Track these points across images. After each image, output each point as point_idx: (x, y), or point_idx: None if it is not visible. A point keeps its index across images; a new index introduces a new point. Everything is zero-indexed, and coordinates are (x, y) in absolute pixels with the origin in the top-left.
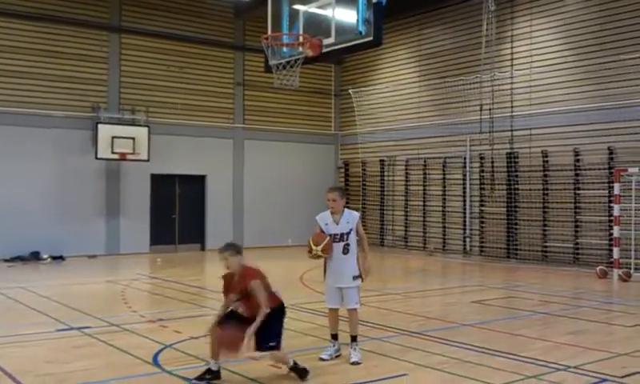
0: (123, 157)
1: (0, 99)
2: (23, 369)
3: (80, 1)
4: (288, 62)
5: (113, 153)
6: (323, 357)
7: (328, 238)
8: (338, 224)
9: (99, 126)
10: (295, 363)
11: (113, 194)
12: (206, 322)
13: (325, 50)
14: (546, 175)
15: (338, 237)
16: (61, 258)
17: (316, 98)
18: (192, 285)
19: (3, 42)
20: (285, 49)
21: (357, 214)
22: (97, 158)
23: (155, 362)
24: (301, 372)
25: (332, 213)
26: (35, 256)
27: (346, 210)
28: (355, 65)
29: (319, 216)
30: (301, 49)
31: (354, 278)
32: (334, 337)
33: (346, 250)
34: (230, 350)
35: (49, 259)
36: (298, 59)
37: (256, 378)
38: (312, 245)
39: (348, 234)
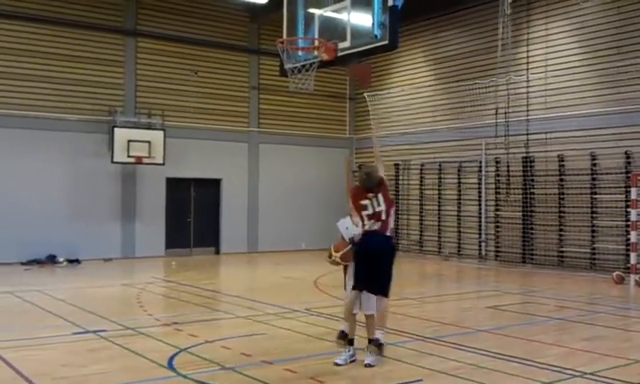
0: (139, 160)
1: (17, 103)
2: (39, 372)
3: (96, 5)
4: (303, 66)
5: (129, 156)
6: (338, 361)
7: (349, 246)
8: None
9: (115, 129)
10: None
11: (128, 198)
12: (220, 326)
13: (340, 54)
14: (562, 179)
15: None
16: (77, 261)
17: (331, 102)
18: (207, 288)
19: (20, 45)
20: (300, 53)
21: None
22: (113, 162)
23: (170, 365)
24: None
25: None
26: (51, 259)
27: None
28: (371, 68)
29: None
30: (316, 53)
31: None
32: (350, 342)
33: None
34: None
35: (65, 262)
36: (314, 63)
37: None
38: (332, 251)
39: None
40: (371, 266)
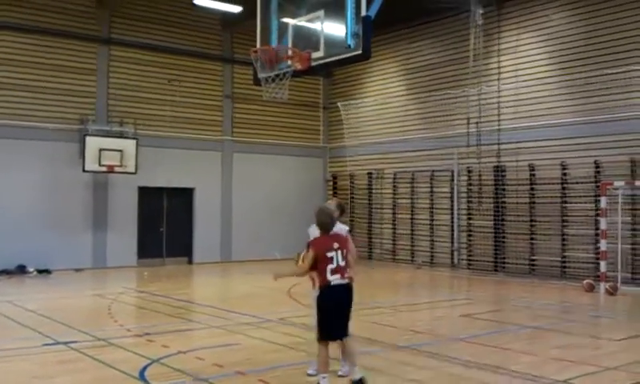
0: (111, 169)
1: None
2: None
3: (69, 13)
4: (277, 75)
5: (100, 165)
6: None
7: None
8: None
9: (87, 138)
10: None
11: (100, 207)
12: (193, 337)
13: (314, 64)
14: (532, 188)
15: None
16: (47, 271)
17: (305, 111)
18: (179, 298)
19: None
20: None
21: (346, 228)
22: (84, 171)
23: (142, 377)
24: None
25: None
26: (21, 269)
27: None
28: (344, 78)
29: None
30: (290, 62)
31: None
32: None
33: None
34: None
35: (35, 272)
36: (287, 72)
37: None
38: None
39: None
40: (344, 314)
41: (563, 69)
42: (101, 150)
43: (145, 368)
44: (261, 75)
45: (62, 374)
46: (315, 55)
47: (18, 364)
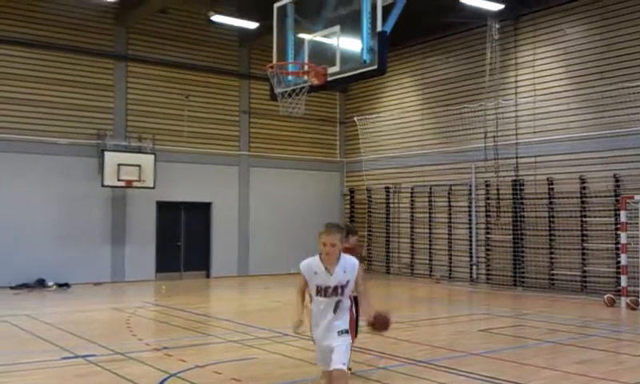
0: (129, 184)
1: (7, 127)
2: None
3: (87, 29)
4: (293, 90)
5: (119, 180)
6: None
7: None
8: (332, 275)
9: (105, 153)
10: None
11: (119, 222)
12: (211, 351)
13: (330, 79)
14: (551, 203)
15: (331, 290)
16: (66, 285)
17: (321, 126)
18: (197, 312)
19: (11, 69)
20: (290, 77)
21: (357, 262)
22: (103, 186)
23: None
24: None
25: (323, 260)
26: (41, 283)
27: (343, 255)
28: (360, 93)
29: (305, 264)
30: (306, 77)
31: (340, 332)
32: None
33: (337, 308)
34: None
35: (54, 286)
36: (304, 87)
37: None
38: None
39: (344, 286)
40: None
41: (581, 82)
42: (119, 165)
43: (162, 382)
44: (277, 90)
45: None
46: (331, 70)
47: (36, 377)
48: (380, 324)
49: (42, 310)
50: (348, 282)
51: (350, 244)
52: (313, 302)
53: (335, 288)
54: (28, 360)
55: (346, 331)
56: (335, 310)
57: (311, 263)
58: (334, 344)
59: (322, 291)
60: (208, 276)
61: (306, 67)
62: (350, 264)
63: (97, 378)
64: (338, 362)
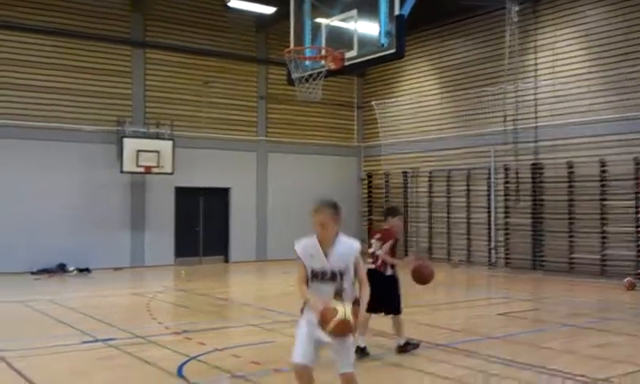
0: (148, 170)
1: (27, 114)
2: (49, 380)
3: (104, 16)
4: (311, 75)
5: (138, 166)
6: None
7: (344, 313)
8: (328, 258)
9: (124, 139)
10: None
11: (138, 207)
12: (230, 334)
13: (347, 63)
14: (571, 186)
15: (328, 275)
16: (87, 270)
17: (339, 111)
18: (216, 297)
19: (29, 57)
20: (307, 62)
21: (356, 246)
22: (122, 172)
23: (180, 374)
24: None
25: (320, 241)
26: (61, 268)
27: (340, 237)
28: (378, 77)
29: (301, 245)
30: (323, 62)
31: None
32: None
33: (338, 296)
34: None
35: (75, 271)
36: (321, 72)
37: None
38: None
39: (342, 271)
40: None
41: (601, 64)
42: (138, 151)
43: (183, 365)
44: (295, 75)
45: (100, 371)
46: (349, 55)
47: (57, 361)
48: (421, 275)
49: (63, 295)
50: (347, 267)
51: (388, 225)
52: (310, 288)
53: (333, 274)
54: (50, 344)
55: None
56: (336, 298)
57: (307, 244)
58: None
59: (318, 276)
60: (227, 261)
61: (323, 52)
62: (346, 247)
63: (118, 361)
64: (348, 364)
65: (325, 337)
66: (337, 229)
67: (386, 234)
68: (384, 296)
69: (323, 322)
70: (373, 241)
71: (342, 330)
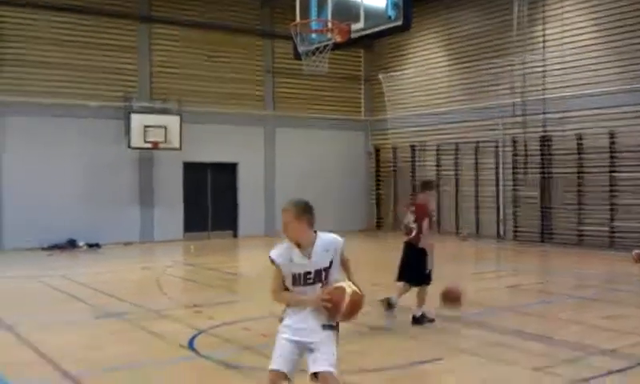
0: (156, 146)
1: (34, 90)
2: (63, 354)
3: None
4: (317, 48)
5: (146, 142)
6: None
7: (350, 293)
8: (310, 258)
9: (132, 115)
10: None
11: (146, 183)
12: (240, 308)
13: (354, 36)
14: (580, 158)
15: (312, 277)
16: (97, 245)
17: (346, 84)
18: (225, 271)
19: (35, 33)
20: (313, 35)
21: (340, 239)
22: (130, 147)
23: (191, 346)
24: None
25: (297, 244)
26: (72, 244)
27: (320, 234)
28: (384, 50)
29: (277, 251)
30: (329, 35)
31: (325, 326)
32: None
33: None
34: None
35: (85, 247)
36: (327, 45)
37: None
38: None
39: (327, 269)
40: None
41: (610, 35)
42: (145, 126)
43: (193, 338)
44: (301, 49)
45: (113, 345)
46: (355, 27)
47: (70, 336)
48: (451, 298)
49: (74, 270)
50: (331, 262)
51: (421, 200)
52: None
53: (317, 273)
54: (63, 319)
55: (331, 326)
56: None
57: (285, 249)
58: (314, 340)
59: (300, 279)
60: (235, 236)
61: (329, 24)
62: (328, 242)
63: (130, 335)
64: (325, 363)
65: (308, 337)
66: (303, 228)
67: (420, 210)
68: (413, 267)
69: (335, 307)
70: (409, 213)
71: (358, 304)
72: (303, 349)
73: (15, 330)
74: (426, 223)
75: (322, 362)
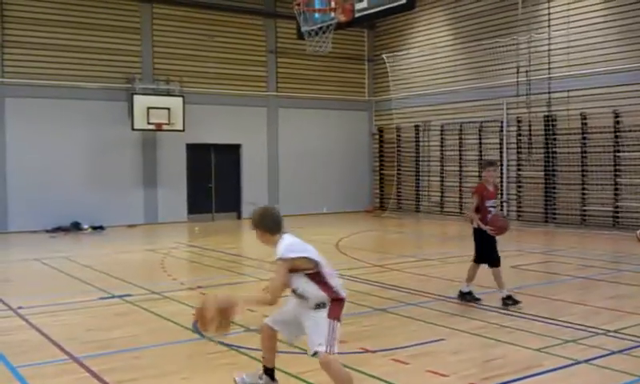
0: (159, 127)
1: (37, 73)
2: (67, 336)
3: None
4: (320, 28)
5: (149, 123)
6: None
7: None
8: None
9: (135, 96)
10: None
11: (150, 164)
12: (244, 289)
13: (357, 15)
14: (584, 138)
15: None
16: (101, 227)
17: (349, 64)
18: (229, 253)
19: (37, 15)
20: (316, 15)
21: (277, 251)
22: (133, 129)
23: (196, 328)
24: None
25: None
26: (76, 226)
27: (282, 238)
28: (388, 29)
29: (293, 245)
30: (333, 14)
31: (318, 306)
32: (268, 372)
33: (299, 297)
34: None
35: (89, 229)
36: (330, 25)
37: None
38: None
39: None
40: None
41: (616, 13)
42: (148, 108)
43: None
44: (304, 29)
45: (117, 327)
46: (359, 6)
47: (74, 317)
48: (499, 226)
49: (78, 252)
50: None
51: (481, 180)
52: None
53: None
54: (66, 301)
55: (323, 304)
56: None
57: (297, 242)
58: (306, 321)
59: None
60: (239, 217)
61: (332, 4)
62: (276, 250)
63: (134, 317)
64: (314, 343)
65: (304, 319)
66: (261, 236)
67: (476, 189)
68: (477, 248)
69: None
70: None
71: (196, 317)
72: (301, 325)
73: (20, 312)
74: (472, 205)
75: (315, 342)
